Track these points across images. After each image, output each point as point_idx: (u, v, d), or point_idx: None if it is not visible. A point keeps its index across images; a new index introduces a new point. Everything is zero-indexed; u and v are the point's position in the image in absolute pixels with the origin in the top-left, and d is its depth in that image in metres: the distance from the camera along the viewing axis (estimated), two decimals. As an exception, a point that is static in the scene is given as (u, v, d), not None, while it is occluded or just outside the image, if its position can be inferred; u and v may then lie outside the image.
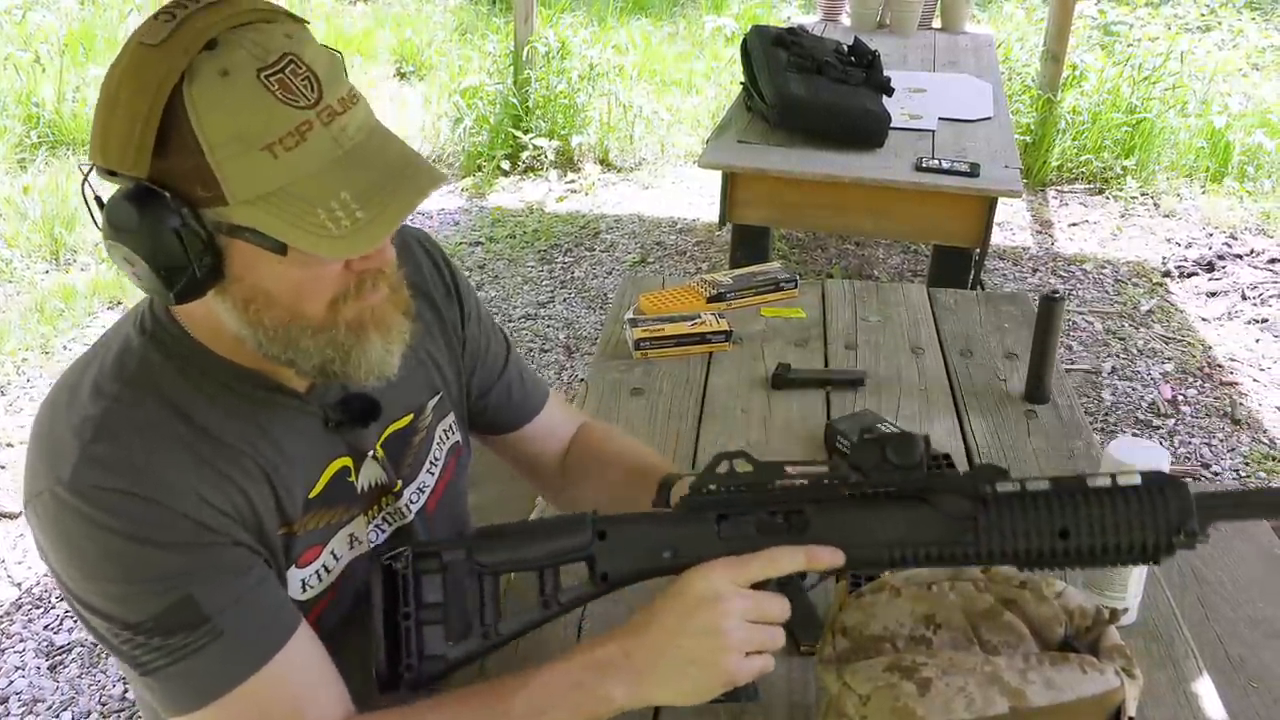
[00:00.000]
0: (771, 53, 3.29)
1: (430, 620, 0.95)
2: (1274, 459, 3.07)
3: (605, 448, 1.30)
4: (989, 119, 3.42)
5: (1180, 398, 3.37)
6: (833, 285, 2.09)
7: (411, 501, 1.10)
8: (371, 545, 1.05)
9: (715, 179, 3.13)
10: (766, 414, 1.65)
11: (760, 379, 1.74)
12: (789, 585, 0.92)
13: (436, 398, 1.13)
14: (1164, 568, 1.05)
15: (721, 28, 6.87)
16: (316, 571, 0.99)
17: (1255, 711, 1.55)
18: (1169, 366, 3.54)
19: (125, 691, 2.25)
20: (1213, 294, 4.05)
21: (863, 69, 3.34)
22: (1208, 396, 3.38)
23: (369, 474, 1.04)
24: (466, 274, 4.14)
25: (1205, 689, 1.13)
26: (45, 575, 2.53)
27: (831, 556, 0.92)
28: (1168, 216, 4.75)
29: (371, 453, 1.03)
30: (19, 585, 2.57)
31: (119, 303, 3.87)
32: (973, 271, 3.12)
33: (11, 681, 2.30)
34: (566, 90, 5.28)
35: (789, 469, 0.95)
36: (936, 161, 2.92)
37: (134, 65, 0.81)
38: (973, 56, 4.31)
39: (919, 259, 4.22)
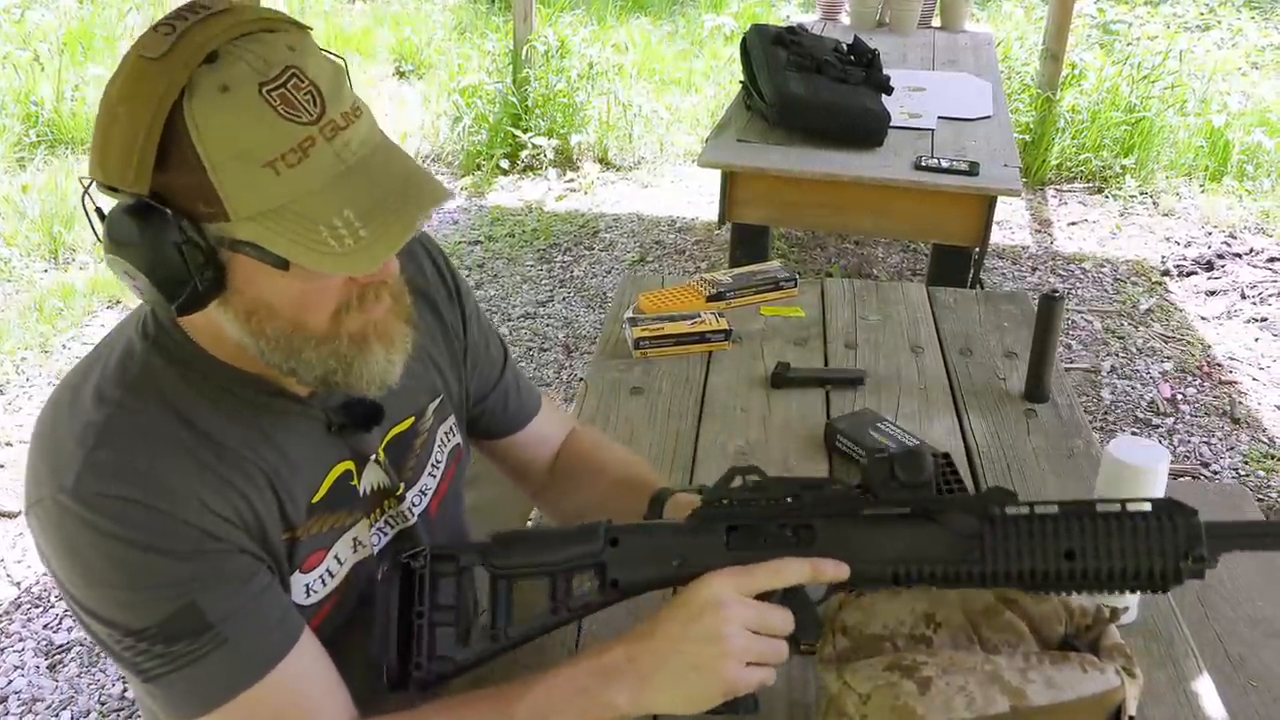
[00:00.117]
0: (771, 51, 3.29)
1: (443, 622, 0.96)
2: (1273, 458, 3.07)
3: (595, 456, 1.30)
4: (988, 118, 3.42)
5: (1179, 396, 3.37)
6: (832, 284, 2.09)
7: (414, 504, 1.10)
8: (374, 548, 1.05)
9: (714, 178, 3.13)
10: (766, 413, 1.65)
11: (760, 378, 1.74)
12: (793, 595, 0.92)
13: (437, 400, 1.13)
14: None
15: (721, 26, 6.88)
16: (320, 576, 0.99)
17: (1255, 710, 1.55)
18: (1168, 365, 3.54)
19: (125, 691, 2.25)
20: (1212, 293, 4.05)
21: (862, 68, 3.34)
22: (1207, 395, 3.38)
23: (371, 477, 1.04)
24: (465, 273, 4.14)
25: (1205, 688, 1.13)
26: (44, 575, 2.53)
27: (836, 569, 0.92)
28: (1167, 215, 4.75)
29: (374, 456, 1.03)
30: (18, 584, 2.57)
31: (118, 302, 3.87)
32: (972, 270, 3.12)
33: (10, 681, 2.29)
34: (566, 89, 5.28)
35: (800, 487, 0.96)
36: (936, 160, 2.92)
37: (133, 80, 0.80)
38: (972, 55, 4.31)
39: (918, 258, 4.22)
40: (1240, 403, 3.34)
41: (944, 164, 2.90)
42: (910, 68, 4.01)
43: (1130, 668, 0.90)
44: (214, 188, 0.79)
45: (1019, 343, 1.84)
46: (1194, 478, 2.97)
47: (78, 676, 2.31)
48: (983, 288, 3.34)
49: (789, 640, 0.92)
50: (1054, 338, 1.63)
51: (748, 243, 3.25)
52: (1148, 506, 0.89)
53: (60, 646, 2.39)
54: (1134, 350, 3.63)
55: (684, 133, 5.57)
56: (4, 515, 2.78)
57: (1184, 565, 0.87)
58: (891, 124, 3.11)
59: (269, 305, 0.86)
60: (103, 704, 2.24)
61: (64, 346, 3.62)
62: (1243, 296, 4.00)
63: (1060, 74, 5.10)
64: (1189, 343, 3.69)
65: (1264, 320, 3.83)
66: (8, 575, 2.60)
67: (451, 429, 1.17)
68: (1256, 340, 3.73)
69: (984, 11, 7.26)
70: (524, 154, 5.18)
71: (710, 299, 1.95)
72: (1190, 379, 3.47)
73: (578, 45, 5.55)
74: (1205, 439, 3.15)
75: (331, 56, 0.87)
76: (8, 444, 3.10)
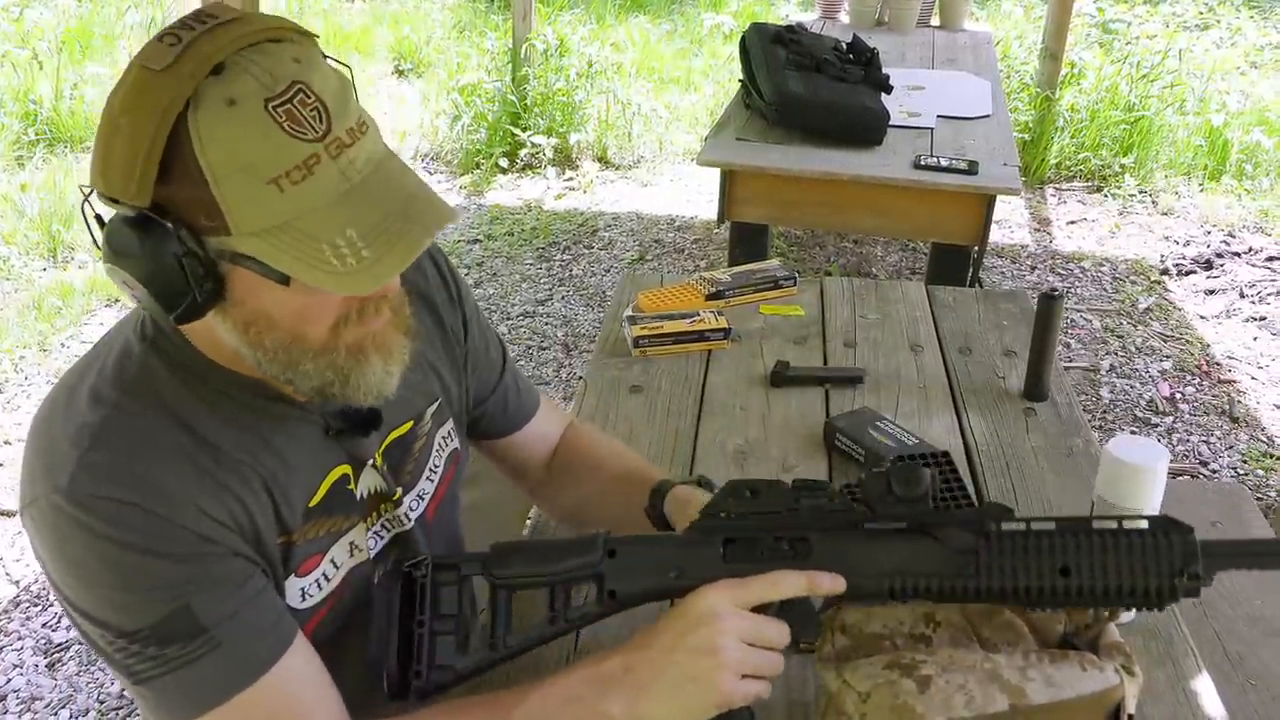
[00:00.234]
0: (770, 50, 3.29)
1: (443, 631, 0.97)
2: (1272, 456, 3.07)
3: (592, 451, 1.30)
4: (987, 117, 3.42)
5: (1178, 395, 3.37)
6: (831, 283, 2.09)
7: (411, 509, 1.10)
8: (371, 553, 1.05)
9: (714, 176, 3.13)
10: (765, 411, 1.65)
11: (759, 377, 1.74)
12: (792, 600, 0.93)
13: (435, 404, 1.13)
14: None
15: (720, 25, 6.88)
16: (316, 580, 0.99)
17: (1254, 709, 1.55)
18: (1167, 364, 3.55)
19: (124, 690, 2.25)
20: (1211, 292, 4.05)
21: (861, 66, 3.34)
22: (1206, 394, 3.38)
23: (368, 482, 1.04)
24: (464, 272, 4.14)
25: (1204, 687, 1.13)
26: (43, 574, 2.53)
27: (833, 583, 0.92)
28: (1166, 214, 4.75)
29: (372, 460, 1.03)
30: (17, 583, 2.57)
31: (117, 300, 3.86)
32: (971, 269, 3.12)
33: (10, 679, 2.29)
34: (565, 88, 5.28)
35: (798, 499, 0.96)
36: (935, 159, 2.92)
37: (137, 91, 0.79)
38: (971, 54, 4.31)
39: (917, 257, 4.22)
40: (1239, 401, 3.34)
41: (943, 163, 2.90)
42: (909, 66, 4.01)
43: (1129, 666, 0.90)
44: (216, 202, 0.78)
45: (1018, 341, 1.84)
46: (1193, 476, 2.97)
47: (77, 675, 2.31)
48: (982, 286, 3.34)
49: (789, 639, 0.92)
50: (1053, 336, 1.63)
51: (747, 241, 3.25)
52: (1144, 524, 0.90)
53: (59, 645, 2.39)
54: (1133, 349, 3.63)
55: (683, 131, 5.57)
56: (2, 514, 2.78)
57: (1179, 583, 0.87)
58: (891, 123, 3.11)
59: (268, 317, 0.86)
60: (101, 703, 2.24)
61: (63, 345, 3.61)
62: (1241, 295, 4.01)
63: (1059, 73, 5.10)
64: (1188, 342, 3.69)
65: (1263, 319, 3.84)
66: (6, 574, 2.60)
67: (450, 433, 1.16)
68: (1255, 339, 3.73)
69: (983, 10, 7.26)
70: (523, 153, 5.18)
71: (709, 298, 1.95)
72: (1189, 378, 3.47)
73: (577, 44, 5.55)
74: (1204, 438, 3.15)
75: (337, 66, 0.86)
76: (6, 443, 3.09)
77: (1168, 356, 3.59)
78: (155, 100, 0.77)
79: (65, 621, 2.44)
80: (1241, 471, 3.01)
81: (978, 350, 1.84)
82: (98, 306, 3.86)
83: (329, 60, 0.86)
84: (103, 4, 6.58)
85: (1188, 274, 4.19)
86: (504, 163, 5.15)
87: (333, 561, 1.00)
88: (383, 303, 0.92)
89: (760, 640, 0.90)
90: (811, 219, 3.38)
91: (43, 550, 0.87)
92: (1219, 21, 7.28)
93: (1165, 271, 4.22)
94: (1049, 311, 1.61)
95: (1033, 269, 4.21)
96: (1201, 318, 3.87)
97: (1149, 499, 1.20)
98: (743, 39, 3.43)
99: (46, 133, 5.07)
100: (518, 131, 5.19)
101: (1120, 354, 3.60)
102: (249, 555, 0.90)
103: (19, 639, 2.40)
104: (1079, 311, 3.87)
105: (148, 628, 0.85)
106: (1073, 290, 4.04)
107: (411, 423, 1.09)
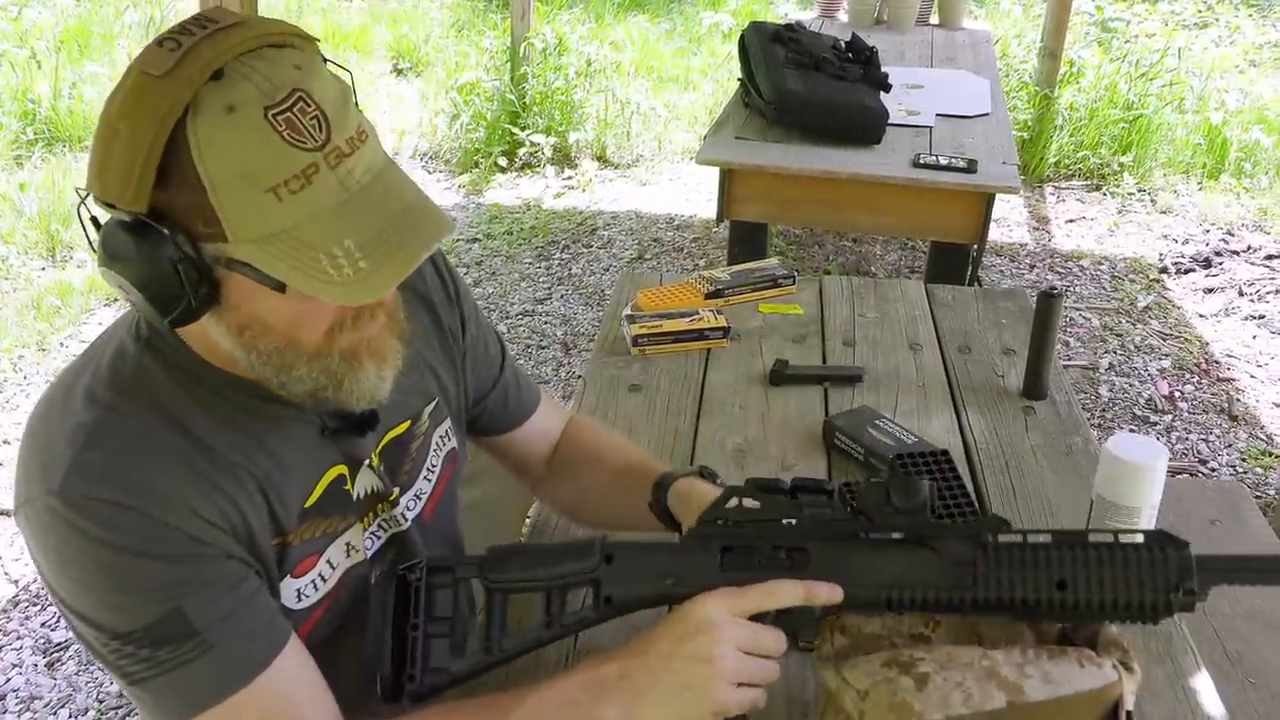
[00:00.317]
0: (769, 49, 3.29)
1: (438, 634, 0.96)
2: (1270, 454, 3.08)
3: (593, 445, 1.31)
4: (986, 115, 3.42)
5: (1177, 394, 3.37)
6: (830, 282, 2.09)
7: (409, 508, 1.09)
8: (367, 553, 1.05)
9: (713, 175, 3.13)
10: (764, 410, 1.65)
11: (758, 375, 1.74)
12: (788, 612, 0.93)
13: (433, 404, 1.13)
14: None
15: (719, 24, 6.87)
16: (313, 580, 0.99)
17: (1253, 706, 1.55)
18: (1166, 363, 3.55)
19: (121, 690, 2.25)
20: (1210, 290, 4.06)
21: (860, 65, 3.34)
22: (1205, 392, 3.38)
23: (365, 482, 1.03)
24: (463, 271, 4.14)
25: (1203, 684, 1.13)
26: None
27: (830, 592, 0.92)
28: (1165, 213, 4.75)
29: (368, 461, 1.03)
30: (16, 583, 2.57)
31: (115, 300, 3.86)
32: (970, 268, 3.12)
33: (9, 679, 2.29)
34: (564, 86, 5.28)
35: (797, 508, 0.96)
36: (934, 158, 2.92)
37: (135, 96, 0.78)
38: (970, 53, 4.31)
39: (916, 255, 4.22)
40: (1238, 400, 3.34)
41: (942, 161, 2.90)
42: (908, 65, 4.01)
43: (1128, 663, 0.90)
44: (214, 209, 0.78)
45: (1017, 340, 1.84)
46: (1192, 474, 2.97)
47: (76, 674, 2.31)
48: (981, 285, 3.34)
49: (785, 648, 0.92)
50: (1052, 335, 1.63)
51: (746, 240, 3.25)
52: (1140, 538, 0.90)
53: (58, 644, 2.38)
54: (1132, 347, 3.63)
55: (682, 130, 5.56)
56: (1, 513, 2.78)
57: (1174, 598, 0.88)
58: (890, 121, 3.11)
59: (263, 322, 0.86)
60: (100, 702, 2.23)
61: (61, 344, 3.61)
62: (1240, 294, 4.01)
63: (1058, 71, 5.10)
64: (1187, 340, 3.69)
65: (1261, 317, 3.84)
66: (6, 573, 2.60)
67: (448, 432, 1.16)
68: (1254, 337, 3.73)
69: (982, 9, 7.26)
70: (522, 151, 5.17)
71: (708, 296, 1.95)
72: (1188, 376, 3.47)
73: (576, 43, 5.54)
74: (1203, 436, 3.16)
75: (338, 71, 0.86)
76: (5, 442, 3.09)
77: (1167, 355, 3.59)
78: (154, 106, 0.77)
79: (64, 621, 2.44)
80: (1240, 469, 3.01)
81: (977, 349, 1.84)
82: (96, 306, 3.86)
83: (330, 65, 0.85)
84: (101, 3, 6.58)
85: (1186, 272, 4.19)
86: (503, 162, 5.15)
87: (329, 562, 1.00)
88: (378, 309, 0.92)
89: (757, 649, 0.90)
90: (810, 218, 3.38)
91: (37, 551, 0.87)
92: (1218, 20, 7.28)
93: (1164, 270, 4.22)
94: (1048, 310, 1.61)
95: (1032, 267, 4.21)
96: (1200, 316, 3.88)
97: (1148, 497, 1.20)
98: (741, 37, 3.43)
99: (45, 132, 5.07)
100: (516, 130, 5.19)
101: (1119, 352, 3.60)
102: (242, 557, 0.90)
103: (18, 638, 2.40)
104: (1078, 310, 3.87)
105: (141, 629, 0.85)
106: (1072, 289, 4.04)
107: (408, 422, 1.09)
